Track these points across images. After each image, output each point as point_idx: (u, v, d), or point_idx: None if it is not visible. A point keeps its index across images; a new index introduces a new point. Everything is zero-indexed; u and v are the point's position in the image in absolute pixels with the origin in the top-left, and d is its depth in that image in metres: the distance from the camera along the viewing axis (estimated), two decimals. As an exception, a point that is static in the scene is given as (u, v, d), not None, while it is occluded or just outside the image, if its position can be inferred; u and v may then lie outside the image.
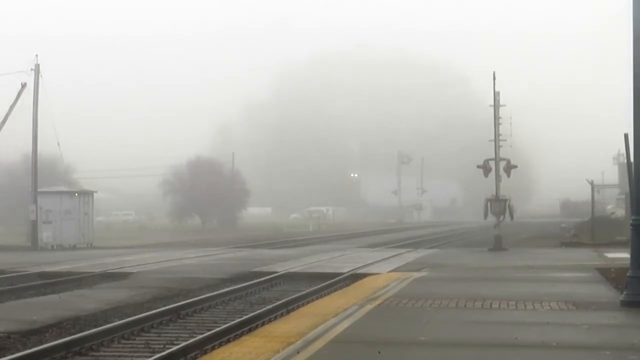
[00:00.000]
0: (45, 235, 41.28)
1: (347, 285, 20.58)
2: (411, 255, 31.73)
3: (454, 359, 10.45)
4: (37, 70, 40.66)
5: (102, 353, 12.65)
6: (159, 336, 14.13)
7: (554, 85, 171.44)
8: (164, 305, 17.16)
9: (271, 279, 22.88)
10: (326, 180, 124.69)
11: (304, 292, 19.33)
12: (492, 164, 35.73)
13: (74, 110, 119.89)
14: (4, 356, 11.57)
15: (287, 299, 17.94)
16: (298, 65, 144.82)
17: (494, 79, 36.00)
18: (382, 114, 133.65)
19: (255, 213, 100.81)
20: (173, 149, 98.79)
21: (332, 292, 19.25)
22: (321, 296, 18.60)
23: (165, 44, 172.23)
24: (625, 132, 14.58)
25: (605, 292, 17.45)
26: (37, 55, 41.47)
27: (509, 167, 35.52)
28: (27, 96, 40.85)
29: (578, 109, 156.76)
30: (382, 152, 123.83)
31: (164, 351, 12.05)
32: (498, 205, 35.65)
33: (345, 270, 24.40)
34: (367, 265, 26.62)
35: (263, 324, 14.69)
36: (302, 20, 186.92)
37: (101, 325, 14.38)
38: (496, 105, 36.71)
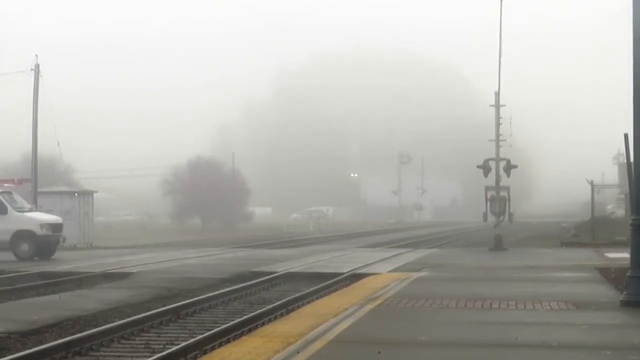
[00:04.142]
0: (45, 235, 41.20)
1: (347, 285, 20.57)
2: (411, 255, 31.72)
3: (454, 359, 10.45)
4: (37, 70, 40.60)
5: (102, 353, 12.64)
6: (158, 336, 14.12)
7: (554, 85, 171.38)
8: (164, 305, 17.16)
9: (271, 279, 22.88)
10: (326, 180, 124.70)
11: (304, 292, 19.31)
12: (492, 164, 35.74)
13: (74, 110, 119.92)
14: (4, 356, 11.57)
15: (287, 299, 17.93)
16: (298, 66, 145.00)
17: (499, 78, 36.04)
18: (382, 114, 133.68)
19: (256, 213, 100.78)
20: (173, 149, 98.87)
21: (332, 292, 19.25)
22: (321, 296, 18.58)
23: (165, 44, 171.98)
24: (625, 132, 14.58)
25: (606, 292, 17.45)
26: (36, 56, 41.44)
27: (509, 167, 35.51)
28: (28, 96, 40.88)
29: (578, 109, 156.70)
30: (382, 152, 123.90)
31: (163, 351, 12.04)
32: (498, 204, 35.66)
33: (345, 270, 24.39)
34: (367, 265, 26.61)
35: (263, 324, 14.68)
36: (301, 21, 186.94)
37: (101, 325, 14.37)
38: (497, 105, 36.73)
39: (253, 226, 78.87)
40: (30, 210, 32.64)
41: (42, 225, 31.12)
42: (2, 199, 31.00)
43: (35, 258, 30.45)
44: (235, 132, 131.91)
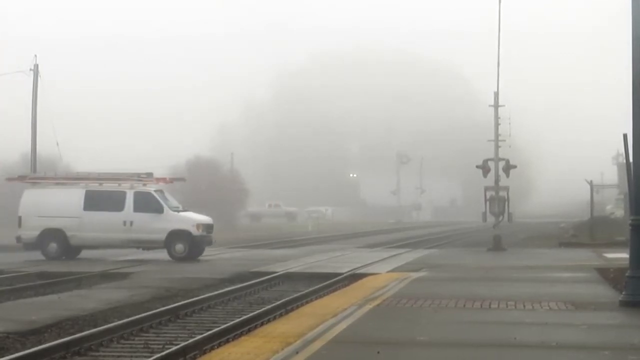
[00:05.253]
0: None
1: (346, 285, 20.57)
2: (410, 256, 31.72)
3: (452, 359, 10.45)
4: (36, 70, 40.55)
5: (101, 353, 12.64)
6: (158, 336, 14.13)
7: (553, 85, 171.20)
8: (163, 305, 17.16)
9: (270, 279, 22.88)
10: (326, 180, 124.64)
11: (303, 292, 19.32)
12: (491, 164, 35.75)
13: (74, 110, 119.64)
14: (3, 356, 11.57)
15: (286, 299, 17.94)
16: (298, 66, 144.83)
17: (498, 78, 36.05)
18: (382, 114, 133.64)
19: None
20: (173, 149, 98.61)
21: (331, 292, 19.25)
22: (320, 296, 18.59)
23: (165, 44, 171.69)
24: (625, 132, 14.59)
25: (604, 292, 17.46)
26: (35, 56, 41.38)
27: (508, 168, 35.54)
28: (27, 96, 40.84)
29: (578, 109, 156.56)
30: (382, 152, 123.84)
31: (163, 351, 12.05)
32: (497, 205, 35.66)
33: (344, 271, 24.38)
34: (366, 265, 26.61)
35: (262, 324, 14.69)
36: (301, 21, 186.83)
37: (100, 326, 14.38)
38: (496, 106, 36.74)
39: (252, 226, 78.76)
40: (184, 210, 32.05)
41: (198, 225, 30.85)
42: (158, 198, 30.40)
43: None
44: (235, 132, 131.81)
